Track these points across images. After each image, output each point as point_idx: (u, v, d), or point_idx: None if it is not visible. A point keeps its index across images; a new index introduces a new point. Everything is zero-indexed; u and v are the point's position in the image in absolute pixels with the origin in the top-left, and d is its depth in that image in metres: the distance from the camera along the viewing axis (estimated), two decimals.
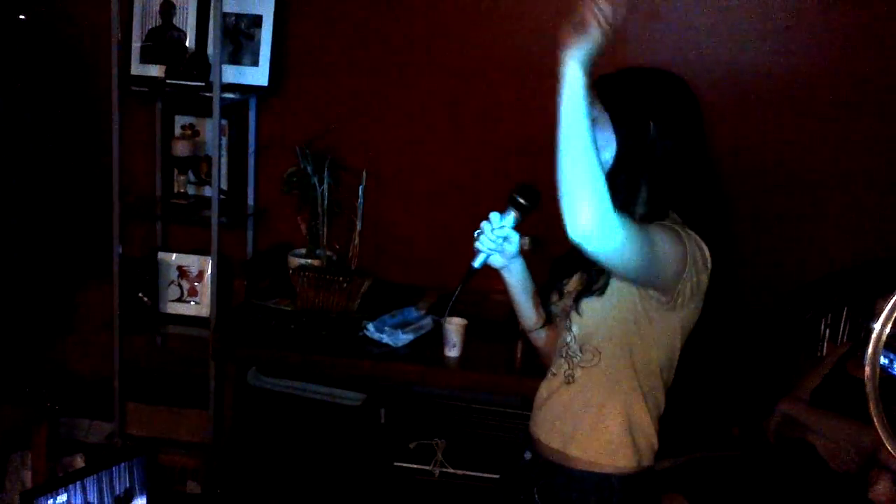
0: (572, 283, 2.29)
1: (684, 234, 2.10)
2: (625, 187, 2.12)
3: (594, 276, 2.18)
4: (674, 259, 2.07)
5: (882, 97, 3.67)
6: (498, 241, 2.26)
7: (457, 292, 2.32)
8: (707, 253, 2.12)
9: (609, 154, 2.15)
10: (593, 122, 2.10)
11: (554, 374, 2.30)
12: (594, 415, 2.22)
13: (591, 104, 2.10)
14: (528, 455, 2.35)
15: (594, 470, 2.22)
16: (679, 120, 2.17)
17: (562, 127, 1.88)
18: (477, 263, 2.27)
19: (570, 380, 2.24)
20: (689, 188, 2.18)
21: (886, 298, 1.46)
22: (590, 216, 1.85)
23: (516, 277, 2.38)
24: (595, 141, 1.89)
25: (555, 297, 2.33)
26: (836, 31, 3.64)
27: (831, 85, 3.68)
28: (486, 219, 2.26)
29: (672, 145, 2.14)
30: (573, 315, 2.22)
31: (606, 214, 1.87)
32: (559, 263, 2.35)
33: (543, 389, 2.34)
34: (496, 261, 2.30)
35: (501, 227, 2.25)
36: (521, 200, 2.23)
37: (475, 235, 2.26)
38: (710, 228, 2.16)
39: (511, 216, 2.25)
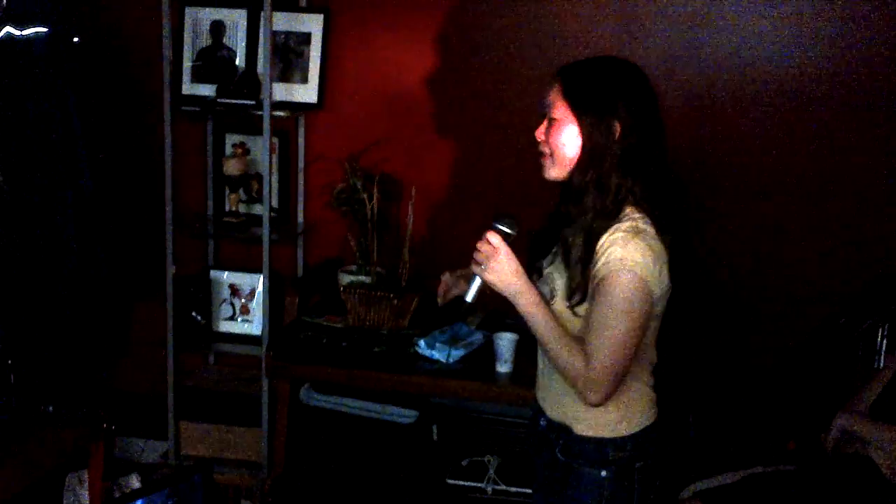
0: (555, 281, 2.33)
1: (639, 264, 2.15)
2: (591, 183, 2.21)
3: (578, 286, 2.25)
4: (649, 308, 2.20)
5: None
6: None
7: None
8: (659, 248, 2.18)
9: (573, 150, 2.22)
10: (556, 121, 2.22)
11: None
12: None
13: (554, 102, 2.23)
14: (543, 422, 2.45)
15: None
16: (642, 115, 2.21)
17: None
18: (470, 297, 2.33)
19: None
20: (651, 180, 2.23)
21: None
22: (596, 400, 2.21)
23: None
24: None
25: (534, 278, 2.38)
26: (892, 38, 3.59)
27: (888, 91, 3.63)
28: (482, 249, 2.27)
29: (636, 141, 2.20)
30: (567, 317, 2.28)
31: (610, 387, 2.19)
32: (536, 239, 2.45)
33: (540, 360, 2.46)
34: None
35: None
36: (506, 230, 2.26)
37: (473, 269, 2.27)
38: (670, 216, 2.23)
39: None
